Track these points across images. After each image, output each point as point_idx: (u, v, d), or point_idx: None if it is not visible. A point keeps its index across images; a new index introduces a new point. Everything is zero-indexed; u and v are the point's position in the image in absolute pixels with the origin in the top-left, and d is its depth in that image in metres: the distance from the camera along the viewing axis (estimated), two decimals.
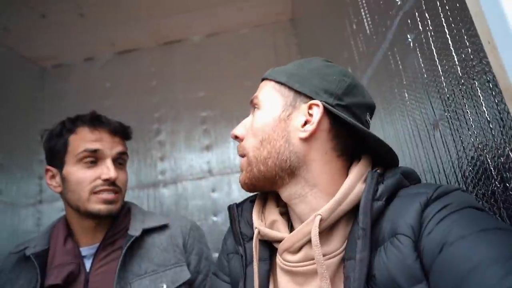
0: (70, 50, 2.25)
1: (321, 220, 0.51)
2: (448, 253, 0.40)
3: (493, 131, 0.50)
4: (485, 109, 0.51)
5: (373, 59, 0.95)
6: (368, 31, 0.96)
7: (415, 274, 0.43)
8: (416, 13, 0.68)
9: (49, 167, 0.93)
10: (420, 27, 0.67)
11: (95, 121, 0.93)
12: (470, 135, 0.56)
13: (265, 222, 0.60)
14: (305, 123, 0.56)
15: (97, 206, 0.87)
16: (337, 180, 0.56)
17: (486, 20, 0.38)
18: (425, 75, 0.68)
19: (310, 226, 0.51)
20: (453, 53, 0.57)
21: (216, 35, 2.29)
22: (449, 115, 0.61)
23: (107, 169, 0.88)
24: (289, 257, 0.54)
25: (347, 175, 0.56)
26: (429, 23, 0.64)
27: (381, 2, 0.84)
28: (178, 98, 2.20)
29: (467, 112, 0.56)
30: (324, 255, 0.51)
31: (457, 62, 0.57)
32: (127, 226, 0.93)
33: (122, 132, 0.97)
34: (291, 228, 0.61)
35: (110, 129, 0.93)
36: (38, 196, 2.10)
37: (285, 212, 0.63)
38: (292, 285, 0.54)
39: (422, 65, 0.69)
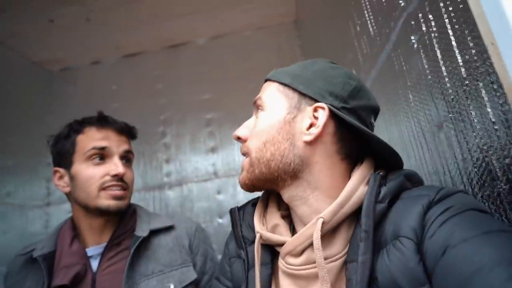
0: (77, 53, 2.28)
1: (323, 223, 0.50)
2: (451, 256, 0.40)
3: (497, 132, 0.50)
4: (489, 110, 0.51)
5: (377, 61, 0.94)
6: (372, 33, 0.96)
7: (417, 277, 0.42)
8: (420, 15, 0.68)
9: (57, 168, 0.94)
10: (424, 29, 0.67)
11: (102, 120, 0.95)
12: (475, 136, 0.56)
13: (267, 226, 0.60)
14: (310, 126, 0.56)
15: (106, 201, 0.88)
16: (339, 182, 0.56)
17: (488, 22, 0.38)
18: (429, 77, 0.68)
19: (312, 229, 0.51)
20: (457, 54, 0.57)
21: (220, 37, 2.30)
22: (454, 117, 0.61)
23: (115, 165, 0.90)
24: (292, 260, 0.54)
25: (349, 177, 0.56)
26: (433, 24, 0.64)
27: (385, 3, 0.84)
28: (183, 101, 2.21)
29: (472, 113, 0.56)
30: (326, 258, 0.50)
31: (461, 63, 0.57)
32: (133, 227, 0.94)
33: (128, 132, 0.99)
34: (293, 231, 0.61)
35: (116, 128, 0.96)
36: (46, 198, 2.13)
37: (287, 215, 0.62)
38: None
39: (426, 66, 0.68)
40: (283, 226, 0.59)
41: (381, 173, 0.53)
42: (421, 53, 0.69)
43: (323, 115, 0.55)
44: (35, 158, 2.04)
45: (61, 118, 1.02)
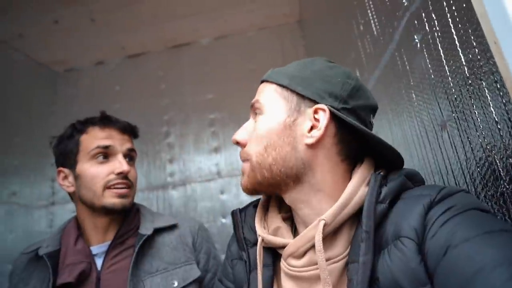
0: (81, 54, 2.30)
1: (324, 225, 0.50)
2: (453, 256, 0.40)
3: (501, 131, 0.50)
4: (493, 109, 0.51)
5: (381, 60, 0.94)
6: (375, 32, 0.96)
7: (419, 277, 0.42)
8: (423, 14, 0.68)
9: (61, 168, 0.95)
10: (427, 28, 0.67)
11: (104, 120, 0.97)
12: (478, 135, 0.55)
13: (268, 229, 0.60)
14: (311, 128, 0.55)
15: (111, 200, 0.89)
16: (340, 184, 0.55)
17: (490, 21, 0.38)
18: (433, 76, 0.68)
19: (314, 231, 0.51)
20: (460, 54, 0.57)
21: (224, 37, 2.30)
22: (457, 116, 0.61)
23: (120, 164, 0.91)
24: (294, 262, 0.54)
25: (350, 178, 0.56)
26: (436, 23, 0.64)
27: (388, 3, 0.84)
28: (187, 101, 2.22)
29: (475, 112, 0.55)
30: (328, 259, 0.50)
31: (464, 63, 0.56)
32: (137, 226, 0.95)
33: (130, 130, 1.00)
34: (294, 232, 0.61)
35: (119, 127, 0.97)
36: (50, 198, 2.15)
37: (288, 217, 0.62)
38: None
39: (429, 65, 0.68)
40: (284, 229, 0.59)
41: (381, 173, 0.53)
42: (425, 53, 0.69)
43: (324, 117, 0.54)
44: (39, 158, 2.06)
45: (65, 119, 1.03)
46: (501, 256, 0.36)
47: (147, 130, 2.13)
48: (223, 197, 2.05)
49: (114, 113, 1.01)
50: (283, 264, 0.56)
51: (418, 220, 0.45)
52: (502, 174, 0.51)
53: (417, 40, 0.72)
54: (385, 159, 0.58)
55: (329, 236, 0.52)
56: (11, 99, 1.97)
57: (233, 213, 0.65)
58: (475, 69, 0.53)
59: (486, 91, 0.51)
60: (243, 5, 2.05)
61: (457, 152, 0.63)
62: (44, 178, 2.12)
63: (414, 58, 0.75)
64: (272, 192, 0.61)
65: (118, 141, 0.94)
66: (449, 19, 0.59)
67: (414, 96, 0.78)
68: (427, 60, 0.69)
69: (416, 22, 0.71)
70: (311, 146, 0.55)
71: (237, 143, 0.62)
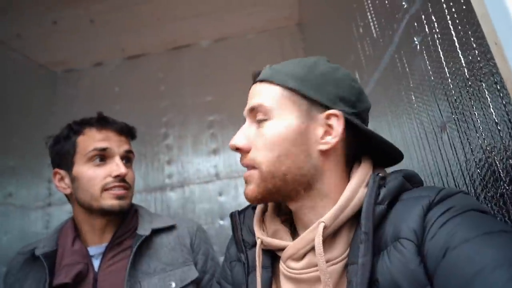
0: (81, 55, 2.29)
1: (324, 228, 0.50)
2: (452, 257, 0.39)
3: (501, 132, 0.50)
4: (492, 110, 0.51)
5: (380, 63, 0.95)
6: (375, 35, 0.96)
7: (418, 279, 0.42)
8: (423, 16, 0.68)
9: (57, 169, 0.94)
10: (427, 30, 0.67)
11: (102, 121, 0.96)
12: (478, 137, 0.55)
13: (267, 232, 0.60)
14: (324, 133, 0.54)
15: (109, 201, 0.88)
16: (341, 185, 0.55)
17: (492, 21, 0.38)
18: (432, 78, 0.68)
19: (313, 234, 0.51)
20: (460, 55, 0.57)
21: (224, 40, 2.31)
22: (457, 117, 0.61)
23: (117, 166, 0.90)
24: (293, 264, 0.53)
25: (349, 179, 0.56)
26: (436, 25, 0.64)
27: (388, 5, 0.84)
28: (186, 103, 2.22)
29: (475, 114, 0.55)
30: (328, 261, 0.50)
31: (464, 64, 0.56)
32: (135, 227, 0.94)
33: (128, 132, 0.99)
34: (294, 234, 0.60)
35: (116, 129, 0.96)
36: (47, 199, 2.13)
37: (286, 219, 0.62)
38: None
39: (429, 67, 0.68)
40: (283, 231, 0.58)
41: (380, 174, 0.53)
42: (424, 54, 0.69)
43: (338, 123, 0.53)
44: (36, 159, 2.05)
45: (64, 120, 1.02)
46: (501, 257, 0.36)
47: (146, 132, 2.12)
48: (221, 199, 2.04)
49: (113, 115, 1.01)
50: (282, 266, 0.56)
51: (417, 222, 0.45)
52: (502, 175, 0.51)
53: (416, 42, 0.72)
54: (384, 157, 0.58)
55: (329, 238, 0.52)
56: (10, 100, 1.97)
57: (232, 215, 0.65)
58: (475, 70, 0.54)
59: (486, 92, 0.52)
60: (243, 8, 2.06)
61: (456, 154, 0.63)
62: (41, 179, 2.11)
63: (413, 60, 0.75)
64: (278, 201, 0.60)
65: (115, 143, 0.93)
66: (449, 21, 0.59)
67: (413, 98, 0.78)
68: (427, 62, 0.69)
69: (415, 24, 0.72)
70: (324, 153, 0.54)
71: (237, 149, 0.57)
